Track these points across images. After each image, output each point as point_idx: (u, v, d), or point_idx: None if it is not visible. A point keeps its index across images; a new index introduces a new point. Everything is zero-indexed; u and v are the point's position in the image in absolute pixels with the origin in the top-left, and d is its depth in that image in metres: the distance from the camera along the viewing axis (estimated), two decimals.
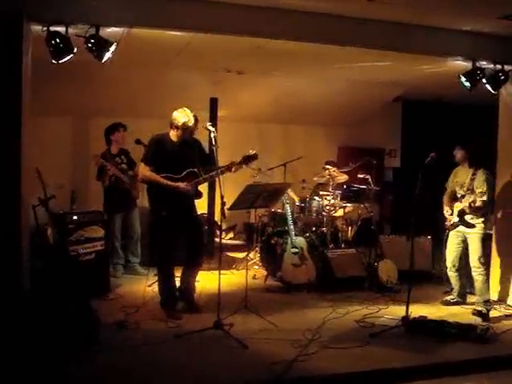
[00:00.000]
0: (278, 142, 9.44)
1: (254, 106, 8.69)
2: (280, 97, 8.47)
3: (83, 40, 5.00)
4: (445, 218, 6.11)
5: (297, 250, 6.72)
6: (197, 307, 5.68)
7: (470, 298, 6.24)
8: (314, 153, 9.04)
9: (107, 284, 6.32)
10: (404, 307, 5.31)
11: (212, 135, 5.25)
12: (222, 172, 5.36)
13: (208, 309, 5.53)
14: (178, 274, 5.73)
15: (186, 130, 5.46)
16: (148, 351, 4.61)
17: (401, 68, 7.19)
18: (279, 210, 7.71)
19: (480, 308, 5.86)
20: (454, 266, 6.14)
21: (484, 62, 6.21)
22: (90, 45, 5.01)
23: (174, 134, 5.53)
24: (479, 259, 5.90)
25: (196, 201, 5.75)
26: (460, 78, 6.19)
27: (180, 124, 5.43)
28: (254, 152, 5.59)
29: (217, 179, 5.16)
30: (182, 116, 5.43)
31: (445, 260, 6.24)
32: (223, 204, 5.04)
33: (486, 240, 6.07)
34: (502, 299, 6.35)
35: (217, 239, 7.57)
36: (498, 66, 6.24)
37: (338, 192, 7.92)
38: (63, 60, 5.02)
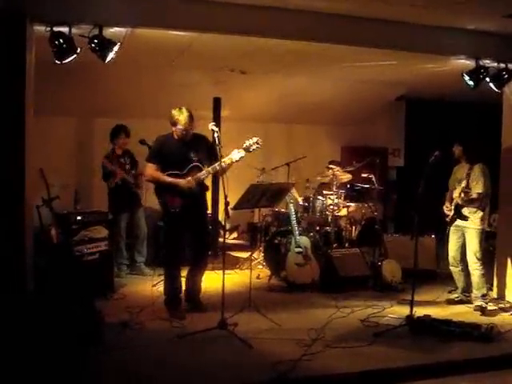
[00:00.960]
0: (281, 142, 9.44)
1: (257, 105, 8.69)
2: (283, 96, 8.47)
3: (86, 40, 5.01)
4: (445, 215, 6.13)
5: (301, 250, 6.71)
6: (201, 307, 5.69)
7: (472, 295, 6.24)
8: (317, 152, 9.04)
9: (111, 284, 6.32)
10: (408, 306, 5.30)
11: (215, 135, 5.25)
12: (226, 164, 5.35)
13: (212, 308, 5.52)
14: (182, 273, 5.73)
15: (182, 127, 5.46)
16: (152, 351, 4.61)
17: (404, 67, 7.18)
18: (283, 210, 7.71)
19: (480, 303, 5.91)
20: (455, 260, 6.16)
21: (487, 61, 6.20)
22: (93, 45, 5.01)
23: (174, 132, 5.55)
24: (475, 254, 5.94)
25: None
26: (463, 76, 6.18)
27: (173, 121, 5.46)
28: (256, 139, 5.56)
29: (221, 179, 5.14)
30: (174, 113, 5.45)
31: (447, 257, 6.25)
32: (227, 204, 5.04)
33: (484, 237, 6.07)
34: (502, 296, 6.38)
35: (220, 239, 7.58)
36: (502, 65, 6.23)
37: (342, 191, 7.92)
38: (67, 60, 5.03)
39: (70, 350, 4.32)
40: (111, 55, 5.11)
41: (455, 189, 6.09)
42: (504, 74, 6.21)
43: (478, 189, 5.84)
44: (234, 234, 9.06)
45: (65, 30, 4.94)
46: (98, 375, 4.18)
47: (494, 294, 6.42)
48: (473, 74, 6.17)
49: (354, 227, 8.21)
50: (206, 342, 4.83)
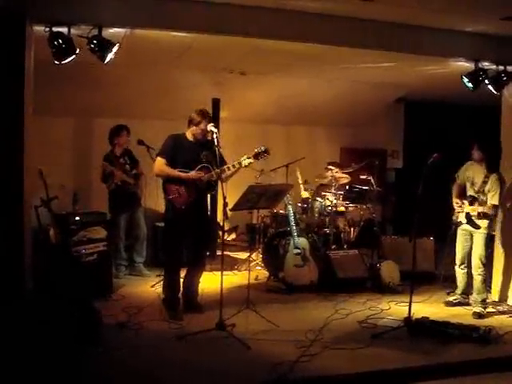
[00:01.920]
0: (280, 143, 9.40)
1: (256, 106, 8.68)
2: (282, 98, 8.47)
3: (86, 41, 5.01)
4: (452, 210, 6.09)
5: (299, 251, 6.71)
6: (199, 308, 5.69)
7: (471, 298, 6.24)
8: (316, 154, 9.04)
9: (110, 285, 6.31)
10: (406, 308, 5.30)
11: (214, 136, 5.26)
12: (234, 167, 5.40)
13: (210, 309, 5.53)
14: (181, 274, 5.73)
15: (204, 127, 5.45)
16: (150, 352, 4.61)
17: (403, 69, 7.18)
18: (281, 211, 7.71)
19: (478, 310, 5.88)
20: (463, 263, 6.15)
21: (486, 63, 6.22)
22: (92, 45, 5.02)
23: (190, 132, 5.56)
24: (480, 258, 5.92)
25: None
26: (462, 78, 6.20)
27: (196, 121, 5.47)
28: (265, 148, 5.58)
29: (219, 181, 5.14)
30: (199, 113, 5.48)
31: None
32: (225, 205, 5.05)
33: (489, 240, 6.06)
34: (502, 300, 6.37)
35: (219, 240, 7.57)
36: (501, 67, 6.25)
37: (341, 193, 7.92)
38: (66, 61, 5.04)
39: (68, 350, 4.31)
40: (110, 56, 5.12)
41: (465, 186, 6.02)
42: (503, 77, 6.23)
43: (494, 200, 5.78)
44: (233, 235, 9.05)
45: (64, 30, 4.95)
46: (96, 375, 4.17)
47: (492, 296, 6.43)
48: (472, 76, 6.18)
49: (352, 229, 8.20)
50: (204, 342, 4.83)
